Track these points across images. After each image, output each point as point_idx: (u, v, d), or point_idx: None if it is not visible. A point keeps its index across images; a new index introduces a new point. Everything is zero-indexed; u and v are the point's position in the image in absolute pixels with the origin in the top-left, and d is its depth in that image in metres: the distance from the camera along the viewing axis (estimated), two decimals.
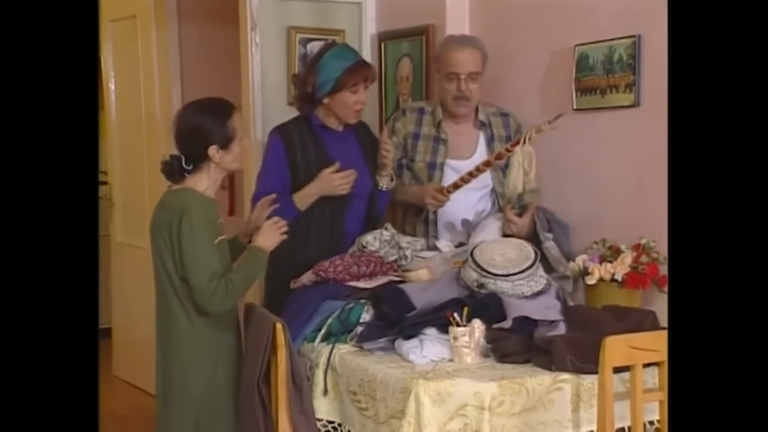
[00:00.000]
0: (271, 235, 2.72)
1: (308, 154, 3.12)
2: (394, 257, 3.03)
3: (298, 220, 3.09)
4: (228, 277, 2.60)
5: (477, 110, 3.37)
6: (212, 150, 2.64)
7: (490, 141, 3.35)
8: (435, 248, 3.17)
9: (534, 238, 3.14)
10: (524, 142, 3.00)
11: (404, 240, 3.09)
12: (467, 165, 3.31)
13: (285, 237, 2.74)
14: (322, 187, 3.10)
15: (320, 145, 3.15)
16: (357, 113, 3.19)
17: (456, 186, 3.19)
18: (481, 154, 3.34)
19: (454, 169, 3.34)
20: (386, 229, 3.11)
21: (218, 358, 2.69)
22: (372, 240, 3.02)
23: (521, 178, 2.99)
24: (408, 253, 3.04)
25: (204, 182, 2.69)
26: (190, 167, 2.67)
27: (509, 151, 3.08)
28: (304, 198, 3.10)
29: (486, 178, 3.31)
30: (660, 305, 2.68)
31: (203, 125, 2.64)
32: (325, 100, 3.13)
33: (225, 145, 2.65)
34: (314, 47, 3.94)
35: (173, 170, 2.69)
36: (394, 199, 3.37)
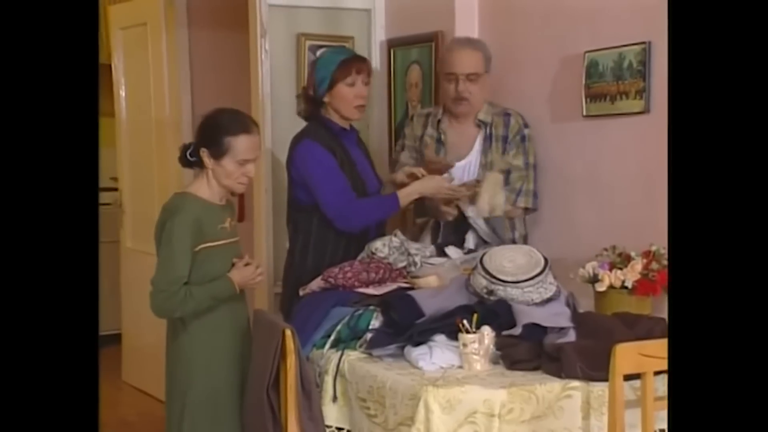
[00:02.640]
0: (244, 274, 2.75)
1: (340, 158, 3.14)
2: (403, 264, 3.03)
3: (310, 222, 3.12)
4: (189, 289, 2.64)
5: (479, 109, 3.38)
6: (203, 153, 2.71)
7: (486, 140, 3.36)
8: (444, 255, 3.17)
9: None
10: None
11: (413, 246, 3.09)
12: (462, 165, 3.34)
13: (256, 283, 2.85)
14: (427, 187, 3.12)
15: (344, 147, 3.18)
16: (358, 109, 3.18)
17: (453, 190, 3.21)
18: (475, 155, 3.36)
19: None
20: (395, 235, 3.11)
21: (217, 364, 2.71)
22: (381, 246, 3.02)
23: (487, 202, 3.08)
24: (417, 259, 3.04)
25: (206, 189, 2.73)
26: (193, 159, 2.73)
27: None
28: (406, 196, 3.12)
29: (473, 175, 3.33)
30: None
31: (205, 127, 2.73)
32: (326, 99, 3.15)
33: (216, 156, 2.70)
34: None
35: (182, 156, 2.77)
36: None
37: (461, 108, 3.35)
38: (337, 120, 3.19)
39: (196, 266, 2.66)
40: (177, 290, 2.62)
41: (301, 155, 3.13)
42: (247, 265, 2.77)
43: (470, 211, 3.18)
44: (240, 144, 2.70)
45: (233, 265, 2.78)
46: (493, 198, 3.06)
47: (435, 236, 3.32)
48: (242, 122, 2.75)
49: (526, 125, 3.39)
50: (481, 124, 3.38)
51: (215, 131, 2.70)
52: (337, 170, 3.11)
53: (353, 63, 3.16)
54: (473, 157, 3.36)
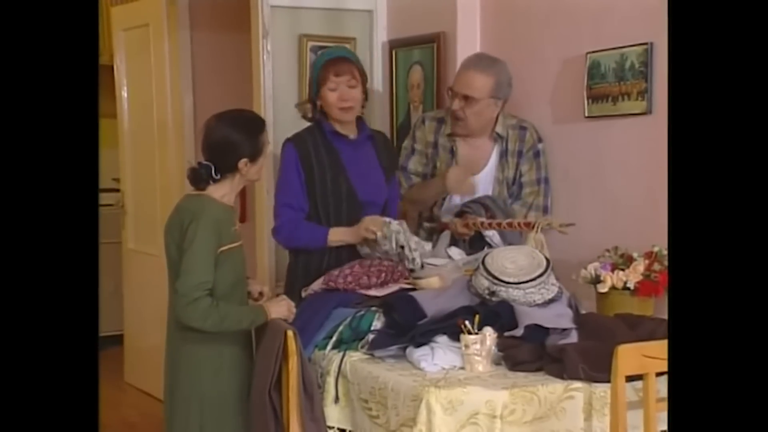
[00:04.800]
0: (280, 310, 2.73)
1: (322, 162, 3.11)
2: (401, 244, 2.99)
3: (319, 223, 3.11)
4: (217, 302, 2.60)
5: (496, 122, 3.34)
6: (242, 163, 2.70)
7: (503, 155, 3.34)
8: (446, 256, 3.16)
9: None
10: (536, 231, 2.99)
11: (413, 240, 3.02)
12: (477, 179, 3.32)
13: (290, 316, 2.74)
14: (356, 236, 3.04)
15: (333, 152, 3.14)
16: (342, 112, 3.10)
17: (482, 225, 3.15)
18: (490, 169, 3.34)
19: None
20: (398, 223, 3.07)
21: (223, 366, 2.70)
22: (381, 239, 2.96)
23: None
24: (417, 257, 3.00)
25: (223, 190, 2.72)
26: (218, 177, 2.70)
27: (519, 226, 3.10)
28: (337, 239, 3.05)
29: (486, 190, 3.31)
30: None
31: (238, 140, 2.70)
32: (318, 102, 3.12)
33: (254, 158, 2.72)
34: None
35: (201, 178, 2.71)
36: (409, 198, 3.39)
37: (456, 128, 3.31)
38: (341, 126, 3.16)
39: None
40: (199, 297, 2.57)
41: (281, 157, 3.17)
42: (281, 301, 2.77)
43: (487, 231, 3.16)
44: (266, 136, 2.77)
45: (261, 294, 2.84)
46: None
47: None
48: (257, 118, 2.84)
49: (540, 140, 3.36)
50: (497, 138, 3.34)
51: (252, 137, 2.71)
52: (295, 182, 3.09)
53: (332, 66, 3.08)
54: (489, 172, 3.34)
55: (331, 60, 3.11)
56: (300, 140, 3.14)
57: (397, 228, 2.99)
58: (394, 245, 2.96)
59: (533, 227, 3.02)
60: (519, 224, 3.11)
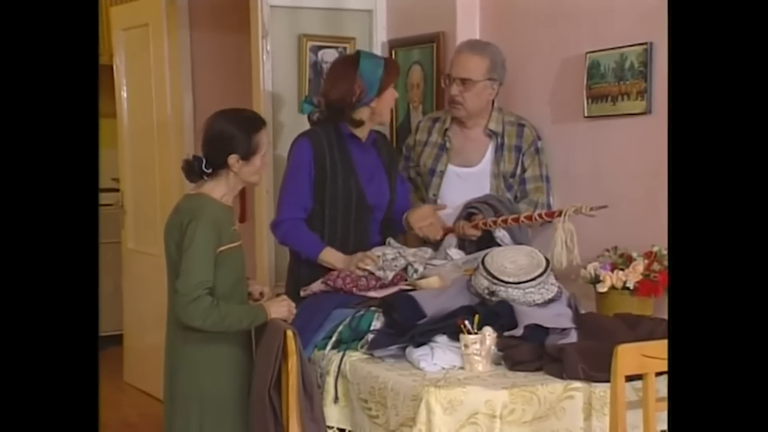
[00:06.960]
0: (280, 309, 2.73)
1: (335, 162, 3.11)
2: (402, 267, 3.00)
3: (323, 225, 3.12)
4: (217, 301, 2.60)
5: (489, 117, 3.36)
6: (232, 159, 2.68)
7: (498, 149, 3.34)
8: (446, 256, 3.16)
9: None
10: (564, 219, 2.94)
11: (410, 252, 3.05)
12: (472, 172, 3.34)
13: (290, 317, 2.73)
14: (346, 265, 3.01)
15: (347, 153, 3.15)
16: (390, 111, 3.28)
17: (494, 224, 3.13)
18: (487, 163, 3.35)
19: (458, 176, 3.36)
20: (389, 245, 3.09)
21: (222, 366, 2.70)
22: (374, 268, 2.95)
23: (565, 256, 2.92)
24: (418, 267, 2.99)
25: (221, 189, 2.72)
26: (210, 171, 2.70)
27: (542, 218, 3.07)
28: (328, 260, 3.04)
29: (485, 188, 3.32)
30: None
31: (229, 134, 2.70)
32: (373, 103, 3.12)
33: (247, 157, 2.70)
34: (325, 55, 3.96)
35: (193, 170, 2.72)
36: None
37: (455, 112, 3.34)
38: (360, 129, 3.16)
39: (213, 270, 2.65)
40: (199, 297, 2.57)
41: (291, 150, 3.17)
42: (282, 301, 2.77)
43: (498, 232, 3.14)
44: (263, 137, 2.75)
45: (262, 295, 2.84)
46: (573, 250, 2.92)
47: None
48: (255, 116, 2.83)
49: (539, 137, 3.37)
50: (492, 134, 3.35)
51: (244, 134, 2.70)
52: (304, 179, 3.09)
53: (395, 66, 3.24)
54: (484, 166, 3.35)
55: (388, 62, 3.24)
56: (316, 136, 3.14)
57: (393, 254, 3.00)
58: (390, 275, 2.95)
59: (559, 215, 2.96)
60: (540, 216, 3.07)
